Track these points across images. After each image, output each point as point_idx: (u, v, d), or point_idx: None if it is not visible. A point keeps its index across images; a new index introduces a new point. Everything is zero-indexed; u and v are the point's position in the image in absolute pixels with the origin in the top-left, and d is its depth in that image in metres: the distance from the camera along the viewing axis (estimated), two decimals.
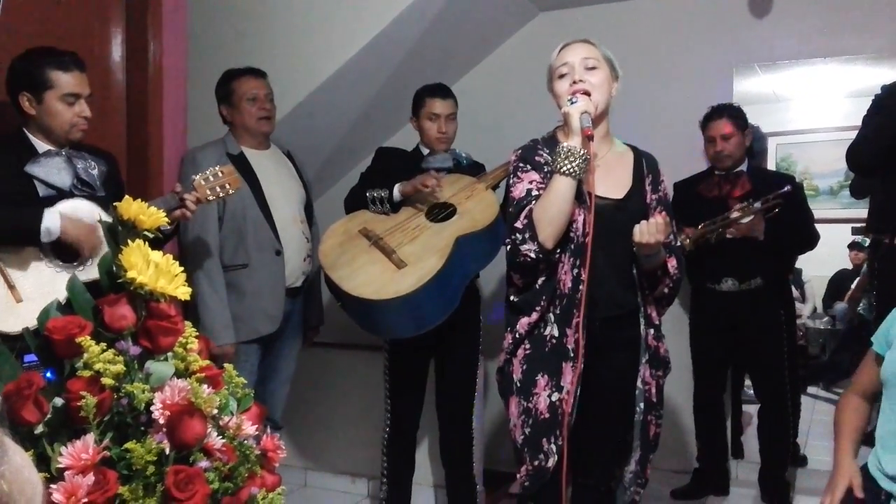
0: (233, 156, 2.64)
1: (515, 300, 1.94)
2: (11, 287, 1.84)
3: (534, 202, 1.85)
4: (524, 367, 1.92)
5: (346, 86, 3.23)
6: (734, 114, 3.10)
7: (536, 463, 1.91)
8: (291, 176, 2.82)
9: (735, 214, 2.94)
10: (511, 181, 1.93)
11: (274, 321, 2.65)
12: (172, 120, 2.50)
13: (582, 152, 1.80)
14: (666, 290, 1.99)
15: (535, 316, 1.90)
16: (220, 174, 2.25)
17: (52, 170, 1.98)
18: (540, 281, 1.89)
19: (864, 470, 1.85)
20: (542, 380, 1.89)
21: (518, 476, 1.96)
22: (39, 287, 1.84)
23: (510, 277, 1.97)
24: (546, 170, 1.90)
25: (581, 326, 1.86)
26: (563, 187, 1.81)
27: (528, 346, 1.91)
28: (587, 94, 1.86)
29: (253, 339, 2.64)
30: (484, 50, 3.80)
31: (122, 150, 2.51)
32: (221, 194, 2.26)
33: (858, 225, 5.46)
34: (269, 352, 2.75)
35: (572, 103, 1.83)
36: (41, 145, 2.02)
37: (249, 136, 2.71)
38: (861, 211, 5.29)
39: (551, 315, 1.89)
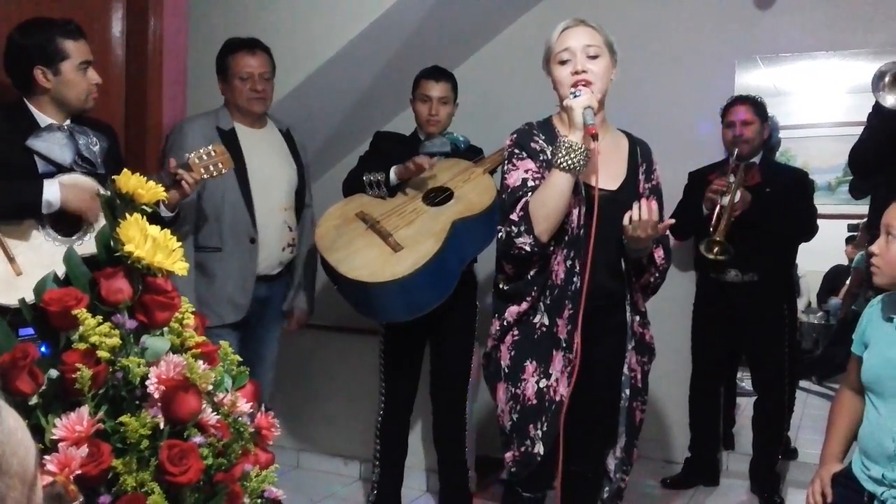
0: (223, 131, 2.56)
1: (505, 288, 1.93)
2: (11, 260, 1.83)
3: (530, 193, 1.82)
4: (512, 353, 1.91)
5: (345, 69, 3.21)
6: (756, 103, 3.13)
7: (523, 449, 1.92)
8: (284, 159, 2.72)
9: (726, 199, 2.93)
10: (505, 167, 1.91)
11: (239, 310, 2.57)
12: (172, 96, 2.49)
13: (582, 148, 1.77)
14: (652, 280, 1.99)
15: (525, 305, 1.89)
16: (212, 153, 2.22)
17: (53, 145, 1.95)
18: (532, 272, 1.88)
19: (849, 471, 1.86)
20: (530, 366, 1.89)
21: (505, 462, 1.97)
22: (39, 260, 1.83)
23: (500, 265, 1.95)
24: (542, 158, 1.88)
25: (580, 322, 1.84)
26: (561, 182, 1.78)
27: (516, 333, 1.91)
28: (589, 84, 1.83)
29: (223, 325, 2.53)
30: (486, 35, 3.78)
31: (121, 126, 2.50)
32: (214, 173, 2.23)
33: (854, 222, 5.47)
34: (250, 337, 2.70)
35: (575, 96, 1.79)
36: (43, 118, 1.99)
37: (241, 114, 2.64)
38: (857, 207, 5.30)
39: (541, 304, 1.89)
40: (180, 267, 1.34)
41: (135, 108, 2.52)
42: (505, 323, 1.92)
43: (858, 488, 1.81)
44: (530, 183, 1.85)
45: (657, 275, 1.98)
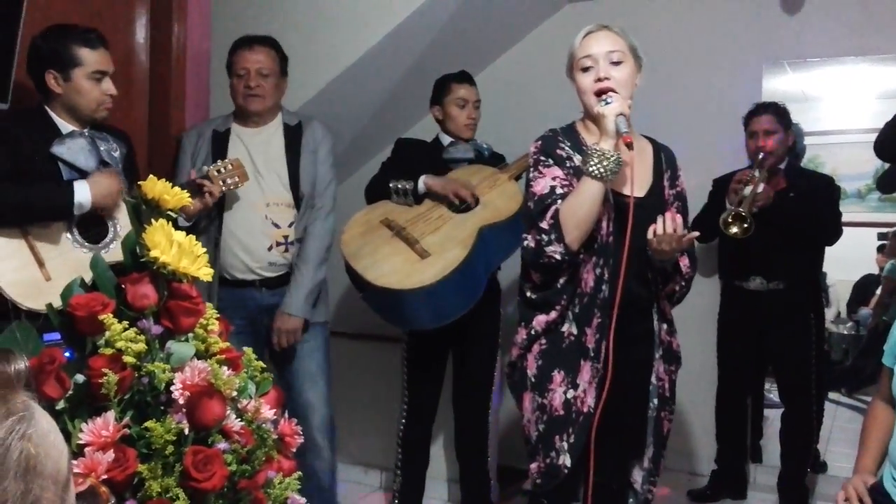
0: (218, 133, 2.52)
1: (533, 297, 1.90)
2: (41, 265, 1.85)
3: (559, 201, 1.80)
4: (539, 362, 1.88)
5: (367, 74, 3.22)
6: (779, 111, 3.07)
7: (549, 460, 1.89)
8: (276, 154, 2.54)
9: (748, 189, 2.87)
10: (532, 175, 1.88)
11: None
12: (195, 102, 2.51)
13: (614, 156, 1.75)
14: (677, 289, 1.96)
15: (553, 315, 1.86)
16: (229, 166, 2.28)
17: (78, 152, 1.98)
18: (561, 281, 1.85)
19: (879, 485, 1.81)
20: (557, 376, 1.86)
21: (530, 473, 1.94)
22: (67, 266, 1.85)
23: (527, 273, 1.92)
24: (569, 165, 1.86)
25: (612, 332, 1.82)
26: (593, 190, 1.76)
27: (543, 342, 1.88)
28: (610, 91, 1.81)
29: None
30: (509, 40, 3.77)
31: (144, 132, 2.53)
32: (231, 186, 2.30)
33: (885, 230, 5.38)
34: (276, 352, 2.55)
35: (607, 103, 1.77)
36: (64, 125, 2.01)
37: (241, 113, 2.56)
38: (888, 215, 5.21)
39: (570, 313, 1.86)
40: (205, 273, 1.33)
41: (158, 114, 2.55)
42: (532, 332, 1.89)
43: (890, 503, 1.76)
44: (559, 190, 1.82)
45: (682, 283, 1.95)
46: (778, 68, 3.83)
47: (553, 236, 1.77)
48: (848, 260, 4.31)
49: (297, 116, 2.65)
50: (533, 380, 1.89)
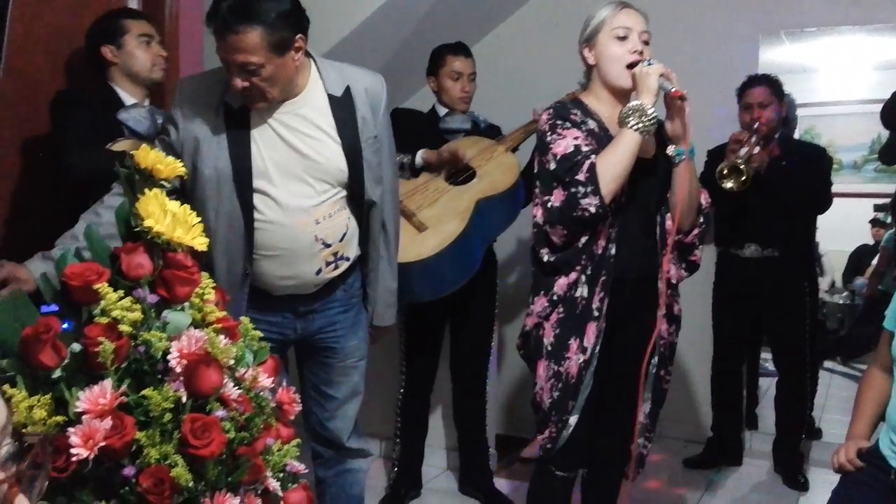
0: (231, 109, 1.81)
1: (552, 260, 1.91)
2: None
3: (593, 156, 1.82)
4: (557, 331, 1.91)
5: (363, 46, 3.18)
6: (772, 83, 3.07)
7: (560, 425, 1.93)
8: (315, 145, 1.82)
9: (744, 150, 2.86)
10: (550, 138, 1.88)
11: None
12: (189, 69, 2.48)
13: (652, 111, 1.81)
14: (698, 231, 2.01)
15: (573, 276, 1.89)
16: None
17: (140, 119, 2.12)
18: (583, 240, 1.87)
19: (875, 449, 1.84)
20: (574, 343, 1.89)
21: (541, 438, 1.97)
22: None
23: (545, 238, 1.91)
24: (584, 128, 1.89)
25: (606, 286, 1.87)
26: (632, 143, 1.81)
27: (561, 310, 1.91)
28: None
29: None
30: (505, 11, 3.73)
31: None
32: None
33: (882, 201, 5.38)
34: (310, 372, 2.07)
35: (649, 64, 1.84)
36: (126, 97, 2.16)
37: None
38: (883, 185, 5.20)
39: (583, 276, 1.88)
40: (200, 242, 1.33)
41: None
42: (553, 298, 1.91)
43: (885, 466, 1.78)
44: (584, 148, 1.84)
45: (702, 220, 2.02)
46: (775, 38, 3.80)
47: (590, 188, 1.79)
48: (843, 230, 4.33)
49: (340, 73, 1.89)
50: (550, 348, 1.92)
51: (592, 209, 1.80)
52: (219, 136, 1.79)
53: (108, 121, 2.09)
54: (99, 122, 2.07)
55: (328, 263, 1.89)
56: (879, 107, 2.95)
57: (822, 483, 2.76)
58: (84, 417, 1.10)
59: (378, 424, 3.28)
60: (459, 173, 2.69)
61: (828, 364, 4.79)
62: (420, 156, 2.68)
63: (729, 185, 2.79)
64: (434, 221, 2.52)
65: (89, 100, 2.12)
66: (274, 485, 1.28)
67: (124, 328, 1.17)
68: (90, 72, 2.21)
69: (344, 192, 1.89)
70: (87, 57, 2.21)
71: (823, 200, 3.20)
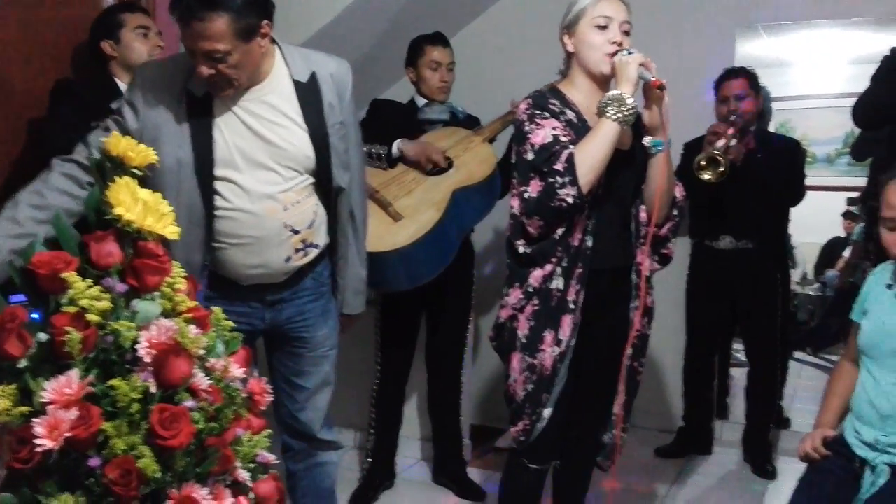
0: (194, 97, 1.77)
1: (527, 251, 1.90)
2: None
3: (571, 147, 1.82)
4: (532, 323, 1.91)
5: (342, 35, 3.16)
6: (749, 75, 3.09)
7: (534, 418, 1.93)
8: (281, 132, 1.81)
9: (721, 142, 2.89)
10: (528, 128, 1.87)
11: None
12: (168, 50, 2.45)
13: (631, 101, 1.81)
14: (673, 224, 2.03)
15: (548, 267, 1.88)
16: None
17: None
18: (559, 231, 1.87)
19: (841, 437, 1.88)
20: (548, 336, 1.89)
21: (514, 431, 1.97)
22: None
23: (520, 229, 1.91)
24: (562, 119, 1.88)
25: (583, 278, 1.87)
26: (611, 132, 1.81)
27: (536, 303, 1.90)
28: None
29: None
30: (483, 2, 3.72)
31: None
32: None
33: (854, 195, 5.45)
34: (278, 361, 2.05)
35: (629, 53, 1.84)
36: (124, 86, 2.12)
37: None
38: (856, 179, 5.26)
39: (559, 268, 1.88)
40: (171, 231, 1.32)
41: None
42: (528, 290, 1.90)
43: (850, 455, 1.82)
44: (562, 138, 1.84)
45: (676, 213, 2.03)
46: (752, 32, 3.82)
47: (567, 179, 1.78)
48: (816, 223, 4.37)
49: (305, 59, 1.88)
50: (524, 340, 1.92)
51: (570, 199, 1.79)
52: (181, 124, 1.76)
53: (101, 110, 2.05)
54: (91, 111, 2.05)
55: (297, 251, 1.87)
56: (853, 101, 2.98)
57: (791, 471, 2.79)
58: (49, 408, 1.09)
59: (352, 416, 3.28)
60: (436, 165, 2.69)
61: (798, 354, 4.86)
62: (397, 145, 2.67)
63: (706, 176, 2.81)
64: (410, 211, 2.52)
65: (86, 90, 2.18)
66: (244, 475, 1.27)
67: (92, 317, 1.16)
68: (94, 67, 2.28)
69: (311, 179, 1.87)
70: (89, 53, 2.27)
71: (797, 193, 3.24)
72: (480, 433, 3.40)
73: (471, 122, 2.89)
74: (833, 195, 5.38)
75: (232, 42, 1.65)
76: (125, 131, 1.71)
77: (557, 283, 1.89)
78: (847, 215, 5.70)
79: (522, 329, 1.92)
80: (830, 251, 5.79)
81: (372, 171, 2.67)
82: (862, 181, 3.55)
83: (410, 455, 3.21)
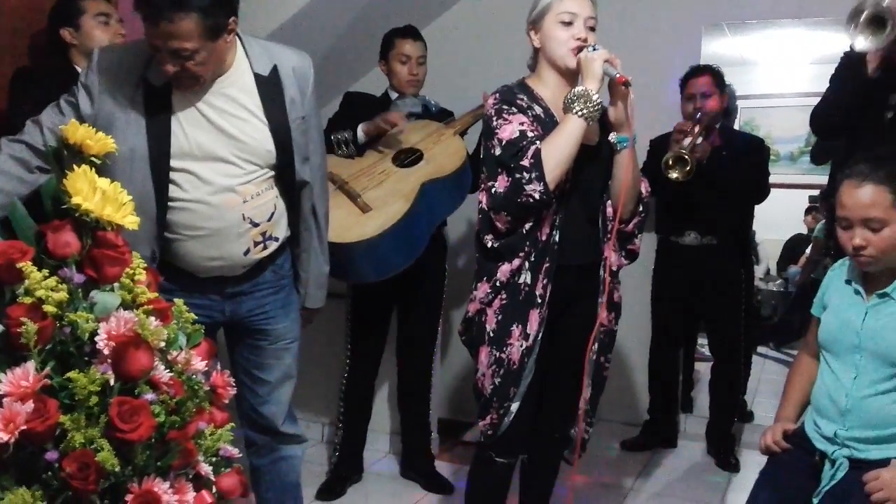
0: (152, 86, 1.72)
1: (496, 245, 1.91)
2: None
3: (537, 142, 1.82)
4: (499, 317, 1.91)
5: (308, 27, 3.13)
6: (715, 73, 3.13)
7: (502, 412, 1.93)
8: (241, 125, 1.78)
9: (688, 141, 2.92)
10: (496, 123, 1.88)
11: None
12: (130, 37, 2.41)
13: (596, 97, 1.81)
14: (639, 219, 2.04)
15: (516, 262, 1.89)
16: None
17: None
18: (527, 226, 1.87)
19: (801, 430, 1.91)
20: (516, 330, 1.90)
21: (482, 425, 1.98)
22: None
23: (489, 223, 1.91)
24: (530, 114, 1.89)
25: (550, 273, 1.88)
26: (576, 129, 1.82)
27: (504, 297, 1.91)
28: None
29: None
30: None
31: None
32: None
33: (816, 192, 5.55)
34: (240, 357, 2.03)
35: (594, 49, 1.85)
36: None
37: None
38: (818, 177, 5.36)
39: (527, 263, 1.89)
40: (131, 221, 1.29)
41: None
42: (496, 284, 1.91)
43: (810, 448, 1.85)
44: (530, 134, 1.84)
45: (642, 209, 2.05)
46: (717, 30, 3.86)
47: (534, 174, 1.79)
48: (778, 220, 4.44)
49: (267, 52, 1.84)
50: (492, 334, 1.92)
51: (537, 195, 1.80)
52: (137, 114, 1.72)
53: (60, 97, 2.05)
54: (54, 100, 1.99)
55: (256, 243, 1.85)
56: (816, 100, 3.02)
57: (753, 464, 2.85)
58: (5, 400, 1.06)
59: (320, 409, 3.26)
60: (407, 156, 2.68)
61: (761, 349, 4.94)
62: (361, 130, 2.66)
63: (674, 175, 2.85)
64: (379, 203, 2.51)
65: (46, 78, 2.14)
66: (206, 469, 1.25)
67: (49, 308, 1.13)
68: (53, 54, 2.25)
69: (271, 172, 1.84)
70: (48, 40, 2.25)
71: (761, 190, 3.29)
72: (449, 427, 3.40)
73: (444, 116, 2.89)
74: (796, 193, 5.47)
75: (200, 41, 1.62)
76: (78, 116, 1.68)
77: (525, 278, 1.89)
78: (811, 211, 5.80)
79: (490, 323, 1.93)
80: (793, 248, 5.89)
81: (341, 162, 2.65)
82: (824, 179, 3.61)
83: (378, 448, 3.20)
